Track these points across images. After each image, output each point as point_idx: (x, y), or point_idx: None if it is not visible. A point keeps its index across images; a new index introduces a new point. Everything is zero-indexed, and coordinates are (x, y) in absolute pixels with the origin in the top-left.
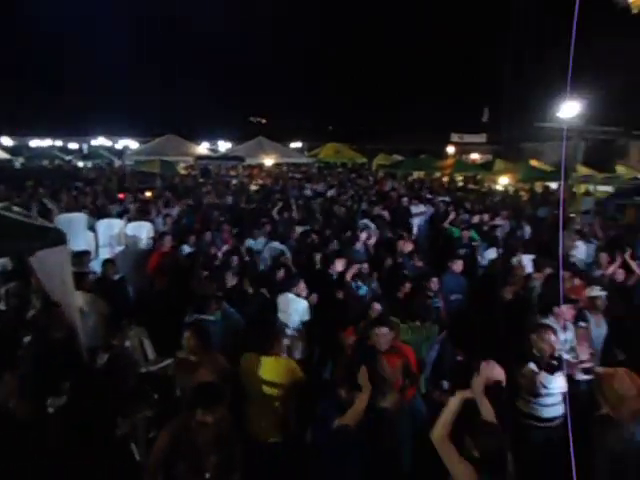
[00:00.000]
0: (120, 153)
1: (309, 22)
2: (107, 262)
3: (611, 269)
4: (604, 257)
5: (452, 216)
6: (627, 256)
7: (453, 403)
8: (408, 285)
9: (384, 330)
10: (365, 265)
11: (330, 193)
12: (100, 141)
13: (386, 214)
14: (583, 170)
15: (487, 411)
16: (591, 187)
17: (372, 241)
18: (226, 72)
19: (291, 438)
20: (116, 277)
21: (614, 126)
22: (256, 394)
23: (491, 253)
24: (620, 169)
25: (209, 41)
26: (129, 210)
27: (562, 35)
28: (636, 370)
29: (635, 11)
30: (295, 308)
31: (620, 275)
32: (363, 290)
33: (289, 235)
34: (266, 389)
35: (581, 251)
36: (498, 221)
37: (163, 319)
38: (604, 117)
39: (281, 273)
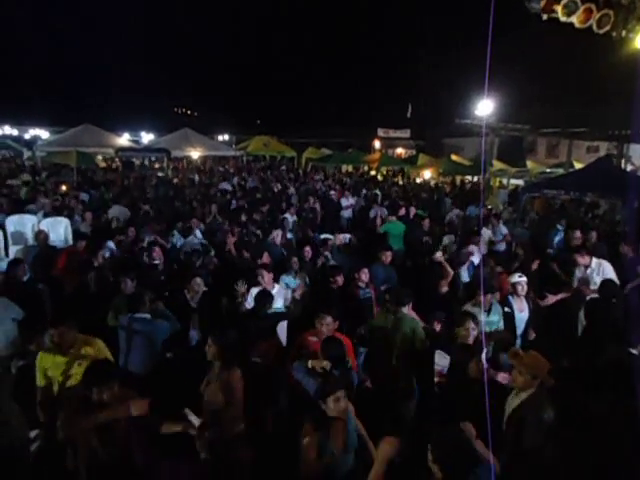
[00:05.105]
0: (30, 144)
1: (239, 14)
2: (13, 262)
3: None
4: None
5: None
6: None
7: None
8: (340, 278)
9: (329, 319)
10: (295, 259)
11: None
12: (5, 130)
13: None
14: (498, 164)
15: None
16: (505, 180)
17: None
18: (150, 60)
19: None
20: (25, 278)
21: (523, 124)
22: None
23: (448, 239)
24: (529, 164)
25: (132, 26)
26: (44, 205)
27: (478, 40)
28: (543, 349)
29: (545, 18)
30: None
31: None
32: (293, 284)
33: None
34: None
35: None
36: None
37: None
38: (514, 116)
39: None
